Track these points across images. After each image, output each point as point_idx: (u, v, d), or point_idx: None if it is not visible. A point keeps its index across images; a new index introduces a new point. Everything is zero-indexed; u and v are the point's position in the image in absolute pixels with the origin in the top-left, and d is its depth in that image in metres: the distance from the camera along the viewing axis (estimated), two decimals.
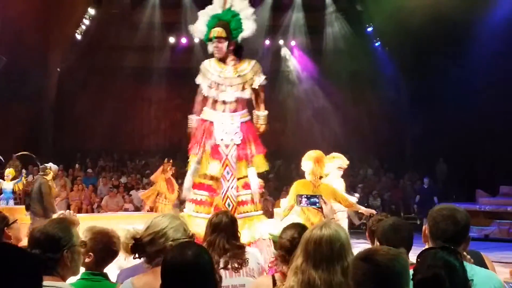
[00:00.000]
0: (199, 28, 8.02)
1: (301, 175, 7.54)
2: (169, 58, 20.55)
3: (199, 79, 8.04)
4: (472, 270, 2.91)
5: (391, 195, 17.69)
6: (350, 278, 2.41)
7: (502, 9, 17.20)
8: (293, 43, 20.61)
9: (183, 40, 20.14)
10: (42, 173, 10.83)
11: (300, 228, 3.70)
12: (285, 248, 3.60)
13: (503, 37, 16.71)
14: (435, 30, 16.17)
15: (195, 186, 7.81)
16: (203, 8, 8.10)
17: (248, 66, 7.95)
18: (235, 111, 7.86)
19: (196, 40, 16.19)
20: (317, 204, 4.76)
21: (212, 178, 7.75)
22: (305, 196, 4.88)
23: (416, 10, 16.19)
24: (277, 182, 17.73)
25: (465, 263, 2.75)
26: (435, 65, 17.27)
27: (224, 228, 4.47)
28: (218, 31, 7.76)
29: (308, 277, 3.01)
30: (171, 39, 20.62)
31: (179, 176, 13.35)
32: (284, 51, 20.82)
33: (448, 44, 17.02)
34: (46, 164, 10.93)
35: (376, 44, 19.19)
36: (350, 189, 16.24)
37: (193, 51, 18.29)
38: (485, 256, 4.45)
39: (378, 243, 3.62)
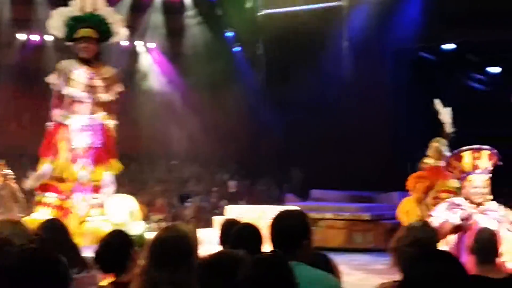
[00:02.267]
0: (56, 27, 7.91)
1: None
2: (18, 55, 19.56)
3: (52, 79, 7.83)
4: (306, 271, 3.03)
5: (248, 200, 17.79)
6: None
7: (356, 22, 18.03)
8: (151, 45, 20.27)
9: (34, 37, 19.25)
10: None
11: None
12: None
13: (355, 50, 17.59)
14: (294, 38, 16.54)
15: (46, 188, 7.58)
16: (57, 6, 7.99)
17: (110, 71, 8.00)
18: (93, 113, 7.73)
19: (49, 38, 15.53)
20: None
21: (64, 180, 7.59)
22: None
23: (274, 18, 16.57)
24: (130, 185, 17.40)
25: (298, 265, 2.91)
26: (294, 72, 17.70)
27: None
28: (88, 31, 7.75)
29: (152, 277, 2.96)
30: (21, 36, 19.61)
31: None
32: (142, 53, 20.44)
33: (305, 53, 17.49)
34: None
35: (237, 49, 19.28)
36: (205, 193, 16.31)
37: (44, 50, 17.57)
38: (330, 258, 4.51)
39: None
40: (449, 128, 10.14)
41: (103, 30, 8.01)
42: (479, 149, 6.40)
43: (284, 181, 18.78)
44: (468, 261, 4.71)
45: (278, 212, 3.66)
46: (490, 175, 6.32)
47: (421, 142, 13.24)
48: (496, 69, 22.48)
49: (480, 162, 6.31)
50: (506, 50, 19.86)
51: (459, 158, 6.39)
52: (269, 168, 19.51)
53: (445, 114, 10.19)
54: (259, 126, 19.84)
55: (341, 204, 13.82)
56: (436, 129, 10.10)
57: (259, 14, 17.36)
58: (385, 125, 19.17)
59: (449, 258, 2.41)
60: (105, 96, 7.95)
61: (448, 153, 9.27)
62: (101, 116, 7.90)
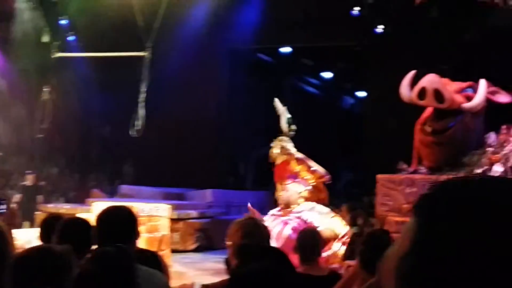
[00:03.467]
0: None
1: None
2: None
3: None
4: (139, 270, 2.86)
5: (76, 195, 17.20)
6: None
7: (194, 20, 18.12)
8: None
9: None
10: None
11: None
12: None
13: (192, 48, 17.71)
14: (126, 30, 16.21)
15: None
16: None
17: None
18: None
19: None
20: None
21: None
22: None
23: (108, 8, 16.24)
24: None
25: None
26: (125, 65, 17.40)
27: None
28: None
29: None
30: None
31: None
32: None
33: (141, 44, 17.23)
34: None
35: (71, 38, 18.50)
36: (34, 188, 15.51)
37: None
38: (159, 255, 4.43)
39: None
40: (285, 126, 10.28)
41: None
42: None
43: (116, 176, 18.42)
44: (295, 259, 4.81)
45: (105, 208, 3.53)
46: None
47: (261, 140, 13.54)
48: (328, 74, 23.53)
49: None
50: (338, 56, 20.87)
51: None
52: (101, 162, 19.02)
53: (283, 113, 10.34)
54: (91, 118, 19.27)
55: (145, 201, 12.52)
56: (276, 127, 10.24)
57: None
58: (218, 124, 19.43)
59: (278, 255, 2.40)
60: None
61: (293, 149, 9.49)
62: None
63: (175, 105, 18.25)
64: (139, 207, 10.12)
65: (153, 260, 4.23)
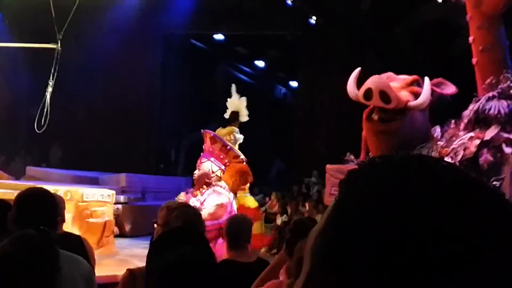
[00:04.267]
0: None
1: None
2: None
3: None
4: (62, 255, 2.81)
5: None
6: None
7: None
8: None
9: None
10: None
11: None
12: None
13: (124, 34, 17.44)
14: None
15: None
16: None
17: None
18: None
19: None
20: None
21: None
22: None
23: None
24: None
25: None
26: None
27: None
28: None
29: None
30: None
31: None
32: None
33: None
34: None
35: None
36: None
37: None
38: (85, 240, 4.36)
39: None
40: (245, 117, 10.16)
41: None
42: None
43: (44, 159, 18.05)
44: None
45: (26, 190, 3.44)
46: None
47: (193, 127, 13.38)
48: (261, 63, 23.61)
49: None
50: (271, 45, 20.97)
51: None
52: (28, 144, 18.57)
53: (242, 103, 10.23)
54: (17, 99, 18.75)
55: (52, 184, 12.09)
56: (209, 114, 10.18)
57: None
58: (150, 110, 19.27)
59: (200, 241, 2.38)
60: None
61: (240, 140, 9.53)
62: None
63: (106, 90, 18.00)
64: (85, 192, 9.99)
65: (77, 244, 4.15)
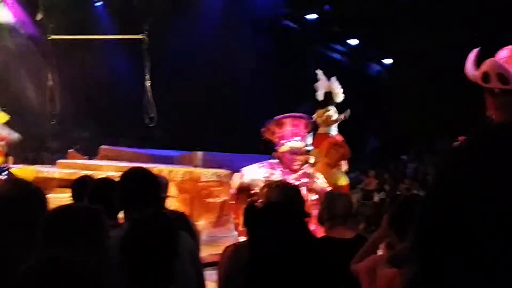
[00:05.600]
0: None
1: None
2: None
3: None
4: None
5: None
6: None
7: None
8: None
9: None
10: None
11: None
12: None
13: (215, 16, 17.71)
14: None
15: None
16: None
17: None
18: None
19: None
20: None
21: None
22: None
23: None
24: None
25: None
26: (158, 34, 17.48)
27: None
28: None
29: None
30: None
31: None
32: None
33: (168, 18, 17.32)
34: None
35: (98, 3, 18.49)
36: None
37: None
38: (188, 217, 4.51)
39: None
40: (339, 96, 10.13)
41: None
42: (300, 117, 6.61)
43: (146, 140, 18.63)
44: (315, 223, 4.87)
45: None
46: (306, 142, 6.58)
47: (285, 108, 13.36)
48: (355, 41, 23.33)
49: (299, 130, 6.53)
50: (364, 23, 20.68)
51: (280, 125, 6.56)
52: (131, 126, 19.22)
53: (333, 83, 10.18)
54: (118, 83, 19.43)
55: (124, 164, 11.38)
56: (301, 96, 10.16)
57: None
58: (242, 92, 19.50)
59: (298, 217, 2.45)
60: None
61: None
62: None
63: (199, 74, 18.41)
64: (202, 172, 10.20)
65: (182, 221, 4.31)
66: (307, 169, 6.49)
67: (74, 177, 5.38)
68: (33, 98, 17.83)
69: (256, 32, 19.85)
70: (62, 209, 2.77)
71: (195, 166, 11.67)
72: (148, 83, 11.57)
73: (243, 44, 19.60)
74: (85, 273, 1.87)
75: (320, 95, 10.00)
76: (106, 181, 4.04)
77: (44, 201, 3.10)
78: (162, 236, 2.58)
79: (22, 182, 3.15)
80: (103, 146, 14.49)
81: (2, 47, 17.69)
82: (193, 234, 4.03)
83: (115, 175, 5.01)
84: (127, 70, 18.39)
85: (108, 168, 10.82)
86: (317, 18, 20.69)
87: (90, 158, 14.02)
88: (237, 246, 3.33)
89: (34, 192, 3.07)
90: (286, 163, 6.33)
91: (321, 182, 6.47)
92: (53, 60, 15.29)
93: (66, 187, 3.93)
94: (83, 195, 4.03)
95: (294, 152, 6.33)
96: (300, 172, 6.35)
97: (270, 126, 6.65)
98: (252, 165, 6.46)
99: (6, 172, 4.23)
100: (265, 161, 6.59)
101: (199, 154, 12.62)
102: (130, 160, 12.39)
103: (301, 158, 6.36)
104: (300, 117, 6.67)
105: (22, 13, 18.19)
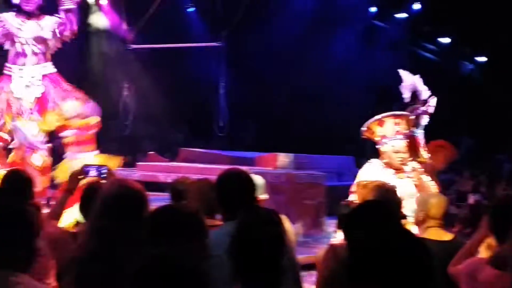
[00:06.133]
0: None
1: (110, 138, 7.49)
2: None
3: None
4: None
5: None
6: None
7: None
8: (103, 1, 19.41)
9: None
10: None
11: None
12: None
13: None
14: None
15: None
16: None
17: (50, 21, 7.89)
18: (37, 63, 7.66)
19: None
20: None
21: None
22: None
23: None
24: None
25: None
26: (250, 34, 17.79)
27: None
28: None
29: (103, 228, 3.04)
30: None
31: None
32: (94, 9, 19.61)
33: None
34: None
35: (190, 9, 18.87)
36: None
37: None
38: (284, 218, 4.56)
39: None
40: (425, 94, 9.89)
41: None
42: (402, 115, 6.54)
43: (235, 141, 18.89)
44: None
45: (223, 172, 3.67)
46: (408, 140, 6.49)
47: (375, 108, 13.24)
48: (446, 40, 22.82)
49: (400, 127, 6.45)
50: (457, 21, 20.20)
51: (381, 123, 6.50)
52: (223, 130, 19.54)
53: (418, 81, 9.94)
54: (211, 86, 19.76)
55: (204, 165, 11.69)
56: (389, 96, 9.97)
57: None
58: (335, 92, 19.45)
59: (392, 218, 2.45)
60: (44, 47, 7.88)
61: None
62: (43, 66, 7.83)
63: (288, 73, 18.51)
64: (297, 175, 10.28)
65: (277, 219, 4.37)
66: (411, 167, 6.43)
67: (152, 179, 5.53)
68: (129, 102, 18.37)
69: (344, 33, 19.77)
70: (166, 209, 2.88)
71: (274, 168, 11.76)
72: (222, 90, 11.69)
73: (330, 45, 19.58)
74: (196, 271, 1.95)
75: (406, 96, 9.72)
76: (205, 182, 4.15)
77: (146, 200, 3.23)
78: (273, 236, 2.64)
79: (126, 182, 3.28)
80: (182, 148, 14.64)
81: (99, 53, 18.36)
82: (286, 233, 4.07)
83: (194, 177, 5.16)
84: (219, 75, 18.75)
85: (187, 169, 10.93)
86: (407, 17, 20.40)
87: (170, 160, 14.19)
88: (334, 247, 3.36)
89: (138, 192, 3.20)
90: (389, 162, 6.31)
91: (426, 181, 6.39)
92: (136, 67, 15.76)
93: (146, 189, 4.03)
94: (182, 196, 4.16)
95: (397, 150, 6.30)
96: (407, 171, 6.31)
97: (370, 125, 6.63)
98: (365, 166, 6.46)
99: (105, 171, 4.39)
100: (372, 160, 6.56)
101: (278, 155, 12.58)
102: (209, 162, 12.50)
103: (405, 157, 6.33)
104: (402, 115, 6.63)
105: (118, 20, 18.78)
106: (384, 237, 2.16)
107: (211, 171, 9.44)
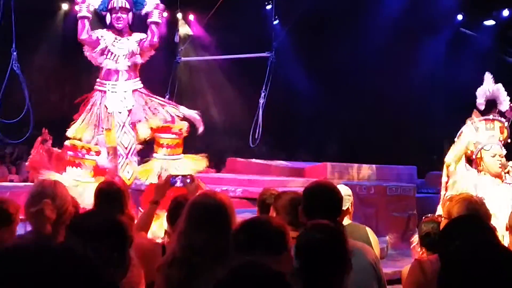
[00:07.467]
0: None
1: (197, 150, 7.68)
2: (61, 25, 19.55)
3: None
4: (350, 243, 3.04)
5: None
6: None
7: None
8: (191, 16, 19.89)
9: (77, 8, 19.07)
10: None
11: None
12: None
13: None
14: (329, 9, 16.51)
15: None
16: None
17: (138, 37, 8.12)
18: (128, 79, 7.91)
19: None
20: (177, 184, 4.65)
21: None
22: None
23: None
24: None
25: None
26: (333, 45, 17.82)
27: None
28: (122, 1, 7.86)
29: (190, 239, 3.13)
30: (64, 6, 19.48)
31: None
32: (181, 24, 20.07)
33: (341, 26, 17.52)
34: None
35: (275, 22, 19.02)
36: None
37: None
38: (370, 230, 4.56)
39: None
40: (505, 105, 9.54)
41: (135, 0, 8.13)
42: (494, 120, 6.39)
43: (320, 153, 18.87)
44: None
45: (311, 184, 3.72)
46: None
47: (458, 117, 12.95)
48: None
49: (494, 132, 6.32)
50: None
51: (475, 129, 6.39)
52: (307, 141, 19.57)
53: (500, 90, 9.58)
54: (295, 98, 19.85)
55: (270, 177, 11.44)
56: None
57: None
58: (420, 101, 19.14)
59: (485, 229, 2.44)
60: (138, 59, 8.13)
61: None
62: (134, 82, 8.07)
63: (374, 82, 18.36)
64: (388, 186, 10.18)
65: (363, 233, 4.39)
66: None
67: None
68: (215, 114, 18.65)
69: (432, 40, 19.50)
70: (253, 221, 2.97)
71: (325, 178, 11.56)
72: (262, 101, 11.57)
73: (417, 52, 19.33)
74: (280, 280, 2.02)
75: (481, 104, 9.19)
76: (292, 194, 4.18)
77: (233, 212, 3.33)
78: (333, 249, 2.73)
79: (214, 194, 3.40)
80: (230, 158, 14.41)
81: (186, 63, 18.77)
82: (373, 248, 4.08)
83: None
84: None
85: (228, 181, 10.92)
86: (494, 24, 19.91)
87: (217, 171, 14.15)
88: (420, 262, 3.35)
89: (225, 203, 3.31)
90: (487, 169, 6.21)
91: None
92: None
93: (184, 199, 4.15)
94: (268, 209, 4.24)
95: (494, 155, 6.21)
96: (506, 178, 6.18)
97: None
98: (459, 174, 6.35)
99: (190, 181, 4.51)
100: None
101: (328, 165, 12.37)
102: (258, 173, 12.44)
103: (503, 163, 6.21)
104: (494, 120, 6.51)
105: (201, 31, 19.13)
106: (477, 250, 2.17)
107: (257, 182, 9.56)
